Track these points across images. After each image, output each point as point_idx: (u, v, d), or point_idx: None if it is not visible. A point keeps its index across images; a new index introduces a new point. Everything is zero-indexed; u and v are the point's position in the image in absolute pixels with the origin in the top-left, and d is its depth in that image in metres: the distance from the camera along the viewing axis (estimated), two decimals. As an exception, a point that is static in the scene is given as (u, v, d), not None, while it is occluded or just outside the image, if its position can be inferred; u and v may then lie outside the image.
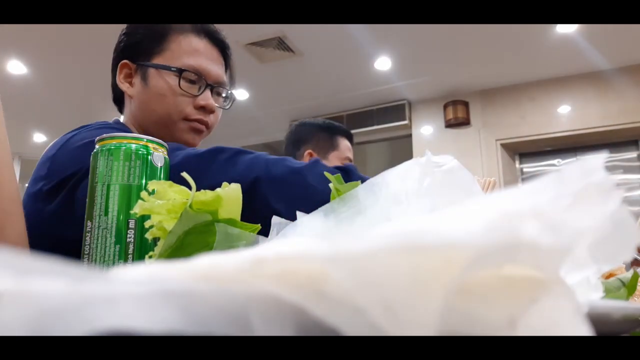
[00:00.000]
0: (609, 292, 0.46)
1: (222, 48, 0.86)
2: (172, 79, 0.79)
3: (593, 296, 0.27)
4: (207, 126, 0.83)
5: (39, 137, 4.92)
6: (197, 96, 0.80)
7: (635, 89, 3.69)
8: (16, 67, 3.63)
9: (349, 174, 0.66)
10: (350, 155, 1.54)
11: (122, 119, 0.86)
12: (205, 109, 0.81)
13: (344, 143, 1.53)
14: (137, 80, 0.82)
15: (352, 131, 1.61)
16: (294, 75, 3.90)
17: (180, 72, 0.79)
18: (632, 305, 0.30)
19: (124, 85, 0.83)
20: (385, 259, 0.13)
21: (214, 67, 0.83)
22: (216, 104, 0.84)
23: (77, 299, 0.11)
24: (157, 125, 0.79)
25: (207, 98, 0.81)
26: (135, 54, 0.82)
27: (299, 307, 0.14)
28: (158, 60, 0.80)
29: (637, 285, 0.50)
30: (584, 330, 0.14)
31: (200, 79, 0.81)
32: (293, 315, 0.14)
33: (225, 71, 0.88)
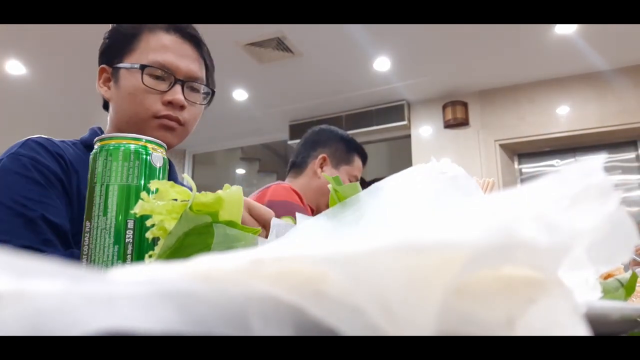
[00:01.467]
0: (607, 293, 0.46)
1: (196, 43, 0.85)
2: (137, 77, 0.79)
3: (591, 297, 0.27)
4: (180, 122, 0.81)
5: (38, 137, 4.89)
6: (165, 92, 0.79)
7: (634, 90, 3.69)
8: (15, 67, 3.63)
9: None
10: (359, 175, 1.58)
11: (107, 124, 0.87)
12: (174, 104, 0.80)
13: (358, 162, 1.57)
14: (112, 83, 0.83)
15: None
16: (293, 75, 3.90)
17: (142, 67, 0.78)
18: (630, 305, 0.30)
19: (102, 90, 0.84)
20: (384, 259, 0.13)
21: (184, 62, 0.81)
22: (190, 99, 0.82)
23: (75, 299, 0.11)
24: (128, 125, 0.79)
25: (174, 93, 0.79)
26: (110, 57, 0.83)
27: (297, 307, 0.14)
28: (128, 61, 0.81)
29: (636, 286, 0.50)
30: (582, 330, 0.14)
31: (168, 75, 0.80)
32: (292, 315, 0.14)
33: (206, 67, 0.87)
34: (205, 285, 0.14)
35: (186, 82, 0.82)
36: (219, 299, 0.13)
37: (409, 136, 4.35)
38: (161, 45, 0.81)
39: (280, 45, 3.42)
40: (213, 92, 0.88)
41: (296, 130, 4.65)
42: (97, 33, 0.87)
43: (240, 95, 4.18)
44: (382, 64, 3.72)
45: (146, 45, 0.81)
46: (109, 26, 0.86)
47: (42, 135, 0.77)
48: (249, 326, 0.13)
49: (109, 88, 0.83)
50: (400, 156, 4.63)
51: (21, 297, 0.11)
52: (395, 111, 4.31)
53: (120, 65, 0.81)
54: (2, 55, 3.48)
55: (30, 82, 3.82)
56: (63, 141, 0.80)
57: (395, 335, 0.14)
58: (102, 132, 0.87)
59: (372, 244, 0.13)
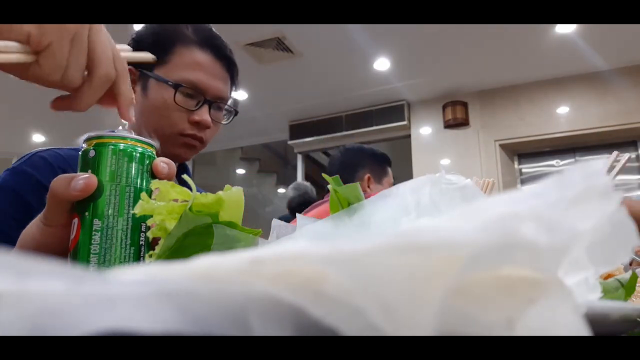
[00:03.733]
0: (607, 293, 0.46)
1: (228, 63, 0.85)
2: (168, 93, 0.78)
3: (591, 297, 0.27)
4: (202, 141, 0.83)
5: (38, 138, 4.91)
6: (193, 111, 0.80)
7: (634, 90, 3.69)
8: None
9: None
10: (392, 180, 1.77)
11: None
12: (200, 125, 0.80)
13: (390, 170, 1.77)
14: (138, 87, 0.82)
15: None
16: (293, 75, 3.90)
17: (176, 87, 0.78)
18: (629, 305, 0.30)
19: None
20: (383, 259, 0.13)
21: (214, 82, 0.82)
22: (214, 119, 0.83)
23: (76, 299, 0.11)
24: (149, 136, 0.79)
25: (202, 114, 0.80)
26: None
27: (297, 307, 0.14)
28: (159, 71, 0.80)
29: (636, 286, 0.50)
30: (582, 330, 0.14)
31: (198, 94, 0.80)
32: (292, 315, 0.14)
33: (231, 87, 0.87)
34: (205, 285, 0.14)
35: (214, 102, 0.82)
36: (219, 299, 0.13)
37: (409, 136, 4.36)
38: (194, 62, 0.80)
39: (280, 45, 3.42)
40: (236, 112, 0.88)
41: (296, 130, 4.66)
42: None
43: (240, 95, 4.18)
44: (382, 64, 3.72)
45: (180, 59, 0.80)
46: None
47: (52, 147, 0.76)
48: (249, 326, 0.13)
49: (133, 91, 0.83)
50: (400, 156, 4.62)
51: (21, 297, 0.11)
52: (395, 111, 4.31)
53: (151, 74, 0.79)
54: (2, 56, 3.48)
55: (30, 82, 3.82)
56: (75, 149, 0.78)
57: (395, 335, 0.14)
58: None
59: (372, 244, 0.13)
